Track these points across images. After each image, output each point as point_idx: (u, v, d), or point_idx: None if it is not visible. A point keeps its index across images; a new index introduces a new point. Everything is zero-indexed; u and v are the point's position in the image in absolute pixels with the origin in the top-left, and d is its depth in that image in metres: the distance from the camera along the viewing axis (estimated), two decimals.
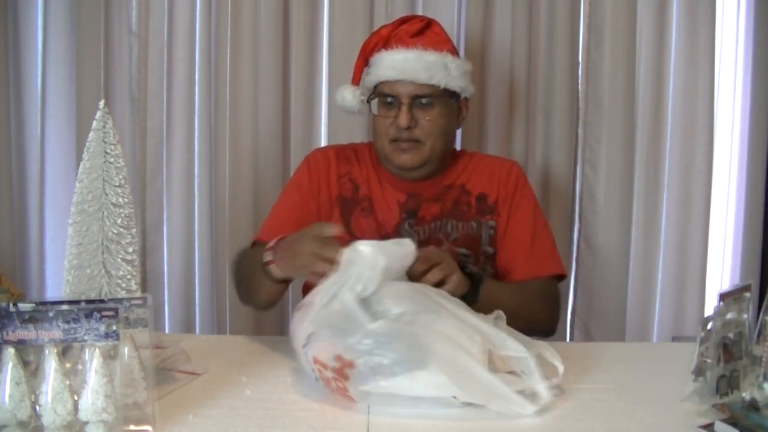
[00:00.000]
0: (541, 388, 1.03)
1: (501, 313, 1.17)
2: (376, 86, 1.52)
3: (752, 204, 2.14)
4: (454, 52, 1.53)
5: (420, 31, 1.51)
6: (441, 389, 1.01)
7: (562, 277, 1.58)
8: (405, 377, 1.01)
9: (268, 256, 1.29)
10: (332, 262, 1.12)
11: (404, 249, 1.15)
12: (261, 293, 1.39)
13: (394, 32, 1.51)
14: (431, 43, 1.49)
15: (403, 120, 1.46)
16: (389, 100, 1.49)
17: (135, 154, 2.09)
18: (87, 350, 0.90)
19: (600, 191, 2.10)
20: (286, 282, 1.34)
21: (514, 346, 1.06)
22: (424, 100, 1.48)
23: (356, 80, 1.55)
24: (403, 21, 1.54)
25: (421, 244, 1.40)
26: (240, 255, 1.54)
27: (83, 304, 0.91)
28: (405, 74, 1.46)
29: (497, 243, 1.55)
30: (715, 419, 0.99)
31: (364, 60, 1.54)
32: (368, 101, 1.54)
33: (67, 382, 0.89)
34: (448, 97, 1.50)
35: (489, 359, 1.07)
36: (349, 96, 1.54)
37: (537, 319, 1.46)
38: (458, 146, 2.06)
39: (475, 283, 1.31)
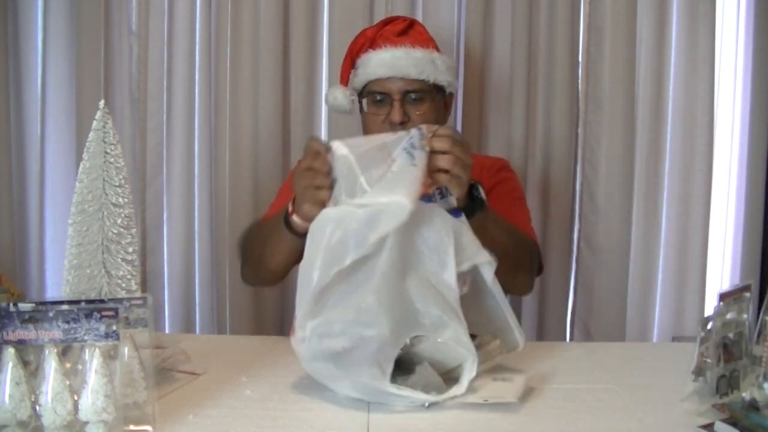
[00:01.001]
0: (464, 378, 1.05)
1: (492, 259, 1.13)
2: (365, 86, 1.53)
3: (752, 204, 2.14)
4: (438, 49, 1.55)
5: (404, 30, 1.54)
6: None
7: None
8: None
9: (289, 207, 1.28)
10: (325, 185, 1.14)
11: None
12: (279, 255, 1.37)
13: (379, 33, 1.54)
14: (417, 41, 1.52)
15: (397, 115, 1.47)
16: (379, 97, 1.51)
17: (135, 154, 2.10)
18: (87, 350, 0.90)
19: (600, 191, 2.11)
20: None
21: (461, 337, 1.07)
22: (414, 96, 1.50)
23: (344, 82, 1.57)
24: (387, 22, 1.58)
25: None
26: (247, 230, 1.54)
27: (83, 304, 0.90)
28: (395, 71, 1.48)
29: None
30: (715, 419, 0.99)
31: (351, 62, 1.56)
32: (359, 101, 1.55)
33: (67, 382, 0.89)
34: (436, 92, 1.53)
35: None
36: (341, 95, 1.56)
37: (521, 268, 1.44)
38: None
39: (473, 208, 1.25)
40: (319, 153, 1.16)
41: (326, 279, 1.03)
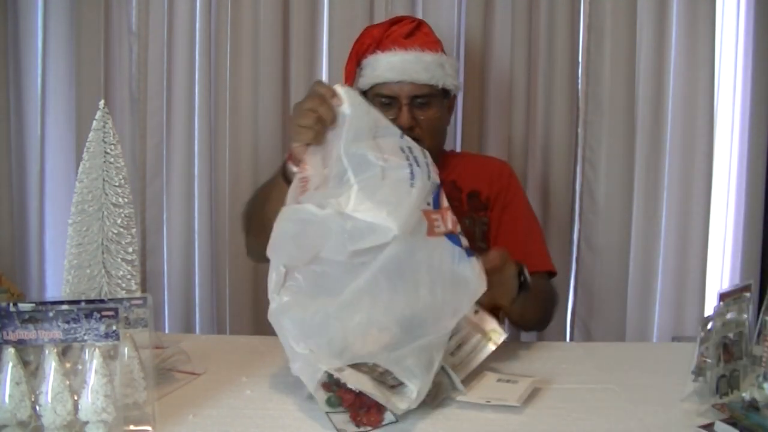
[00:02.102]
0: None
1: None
2: (371, 87, 1.52)
3: (752, 204, 2.14)
4: (444, 50, 1.55)
5: (411, 32, 1.52)
6: None
7: (553, 274, 1.59)
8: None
9: (287, 155, 1.27)
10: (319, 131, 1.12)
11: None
12: (276, 209, 1.30)
13: (386, 34, 1.52)
14: (425, 44, 1.51)
15: (405, 121, 1.45)
16: (386, 101, 1.49)
17: (135, 154, 2.10)
18: (87, 350, 0.90)
19: (600, 191, 2.10)
20: None
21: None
22: (421, 100, 1.48)
23: (349, 83, 1.55)
24: (394, 22, 1.56)
25: None
26: (250, 198, 1.52)
27: (83, 304, 0.91)
28: (406, 75, 1.47)
29: (490, 239, 1.55)
30: (715, 419, 0.99)
31: (357, 61, 1.54)
32: None
33: (67, 382, 0.89)
34: (442, 96, 1.52)
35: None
36: None
37: (547, 315, 1.50)
38: (458, 146, 2.07)
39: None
40: (324, 99, 1.13)
41: (295, 263, 1.06)
